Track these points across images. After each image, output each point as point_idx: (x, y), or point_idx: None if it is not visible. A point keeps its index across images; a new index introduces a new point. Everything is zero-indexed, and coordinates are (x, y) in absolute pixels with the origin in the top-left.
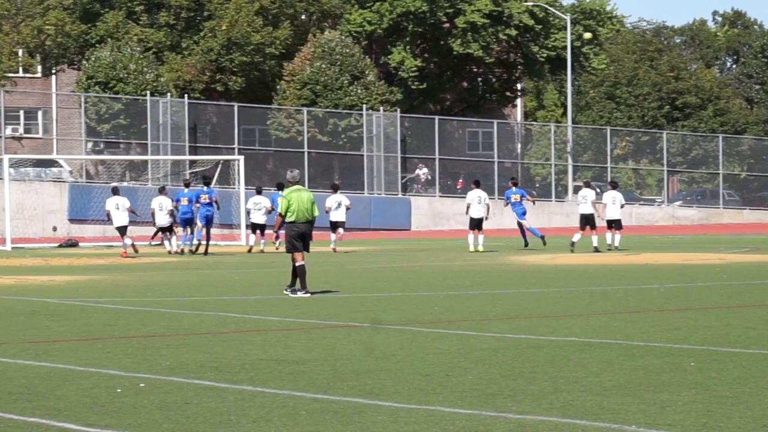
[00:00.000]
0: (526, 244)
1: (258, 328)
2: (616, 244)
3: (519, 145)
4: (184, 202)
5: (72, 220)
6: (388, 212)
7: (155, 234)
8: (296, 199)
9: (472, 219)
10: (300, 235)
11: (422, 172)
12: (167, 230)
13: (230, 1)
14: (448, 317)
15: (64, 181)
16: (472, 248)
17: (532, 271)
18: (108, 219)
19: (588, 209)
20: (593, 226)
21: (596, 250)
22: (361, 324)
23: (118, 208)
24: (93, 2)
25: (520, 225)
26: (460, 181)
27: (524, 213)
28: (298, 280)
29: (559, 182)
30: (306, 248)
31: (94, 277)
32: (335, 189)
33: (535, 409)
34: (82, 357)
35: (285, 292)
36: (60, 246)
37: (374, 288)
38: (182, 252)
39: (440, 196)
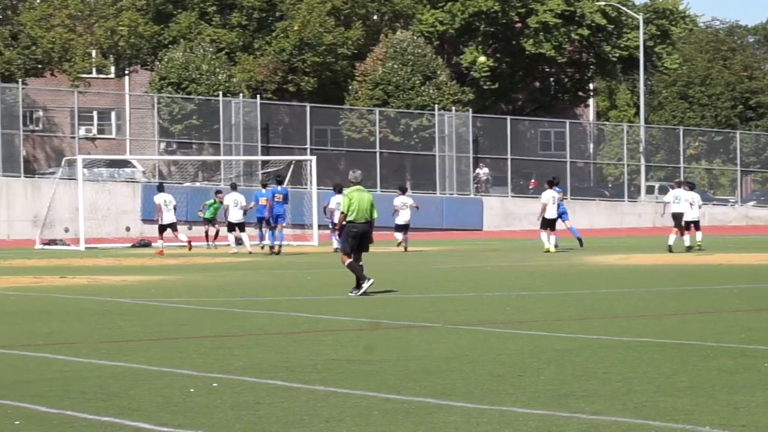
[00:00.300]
0: (581, 243)
1: (330, 328)
2: (698, 240)
3: (591, 145)
4: (263, 202)
5: (145, 221)
6: (460, 212)
7: (231, 228)
8: (357, 198)
9: (545, 219)
10: (357, 235)
11: (483, 171)
12: (239, 227)
13: (302, 2)
14: (520, 317)
15: (137, 182)
16: (548, 246)
17: (604, 271)
18: (158, 214)
19: (681, 209)
20: (688, 227)
21: (688, 249)
22: (433, 324)
23: (166, 204)
24: (166, 3)
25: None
26: (533, 181)
27: (564, 213)
28: (361, 279)
29: (631, 182)
30: (363, 249)
31: (167, 277)
32: (403, 191)
33: (608, 409)
34: (155, 357)
35: (350, 294)
36: (133, 246)
37: (446, 288)
38: (269, 250)
39: (512, 196)
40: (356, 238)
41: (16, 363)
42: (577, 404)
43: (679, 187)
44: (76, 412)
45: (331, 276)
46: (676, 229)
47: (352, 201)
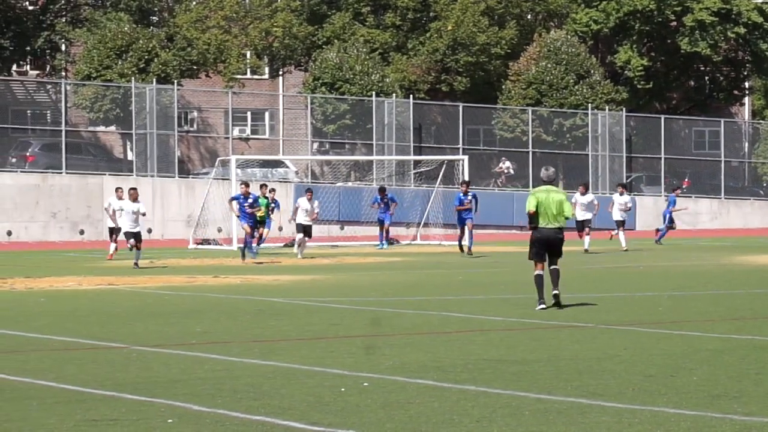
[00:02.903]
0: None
1: (481, 328)
2: None
3: (746, 144)
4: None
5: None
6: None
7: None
8: (544, 199)
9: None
10: (541, 242)
11: (505, 166)
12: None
13: (456, 2)
14: (672, 318)
15: (289, 182)
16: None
17: (757, 271)
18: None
19: None
20: None
21: None
22: (585, 324)
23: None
24: (320, 4)
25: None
26: (686, 180)
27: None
28: (539, 296)
29: None
30: (555, 254)
31: (319, 276)
32: (586, 188)
33: (761, 410)
34: (306, 356)
35: (538, 308)
36: (286, 245)
37: (596, 288)
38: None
39: (665, 196)
40: (541, 245)
41: (170, 362)
42: (729, 405)
43: None
44: (228, 410)
45: (483, 276)
46: None
47: (539, 202)
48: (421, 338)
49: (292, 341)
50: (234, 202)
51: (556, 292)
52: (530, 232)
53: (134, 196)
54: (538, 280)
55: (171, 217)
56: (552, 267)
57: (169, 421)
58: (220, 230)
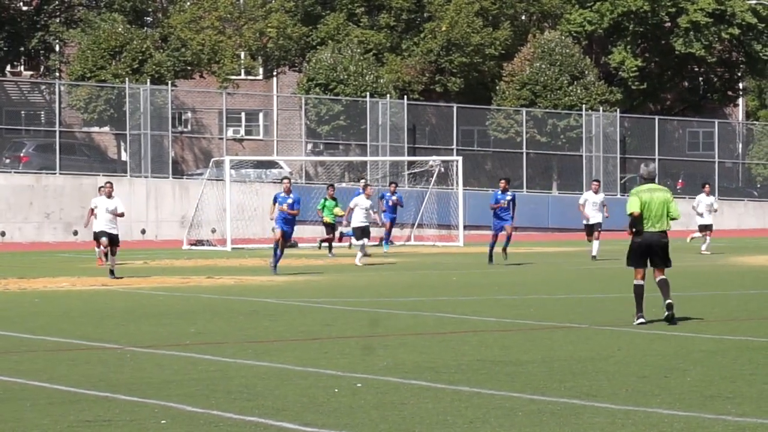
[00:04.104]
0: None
1: (475, 328)
2: None
3: (740, 145)
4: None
5: None
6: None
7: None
8: (647, 201)
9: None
10: (644, 248)
11: (435, 163)
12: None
13: (450, 2)
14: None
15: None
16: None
17: (752, 272)
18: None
19: None
20: None
21: None
22: (579, 325)
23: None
24: (314, 5)
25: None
26: (680, 181)
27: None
28: (637, 310)
29: None
30: (663, 262)
31: (312, 277)
32: (599, 185)
33: (755, 411)
34: (300, 357)
35: (636, 323)
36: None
37: (593, 289)
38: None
39: None
40: (643, 251)
41: (163, 363)
42: (723, 406)
43: None
44: (222, 411)
45: (477, 276)
46: None
47: (642, 203)
48: (415, 339)
49: (286, 342)
50: (275, 204)
51: (669, 301)
52: (631, 236)
53: (108, 191)
54: (638, 290)
55: (165, 217)
56: (659, 279)
57: (163, 421)
58: (214, 231)
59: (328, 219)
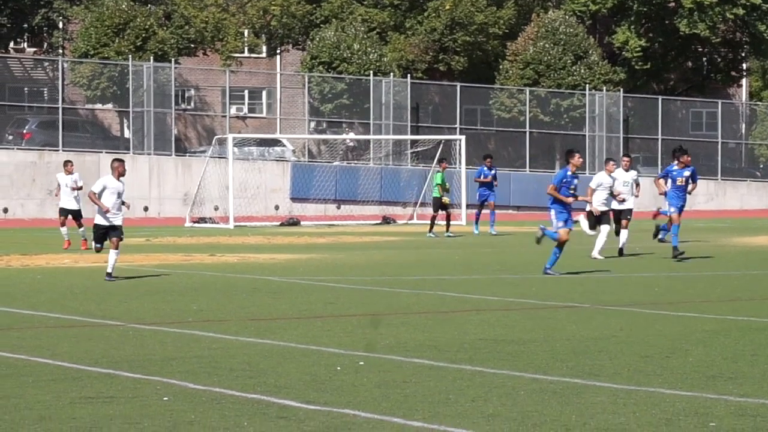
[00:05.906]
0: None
1: (477, 307)
2: None
3: (743, 126)
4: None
5: (294, 199)
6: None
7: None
8: None
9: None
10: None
11: (348, 137)
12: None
13: None
14: (668, 299)
15: (286, 161)
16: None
17: (755, 252)
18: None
19: None
20: None
21: None
22: (581, 305)
23: None
24: None
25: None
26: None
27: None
28: None
29: None
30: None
31: (315, 255)
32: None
33: (756, 391)
34: (302, 335)
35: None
36: (282, 224)
37: (595, 267)
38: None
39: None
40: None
41: (165, 340)
42: (725, 386)
43: None
44: (224, 389)
45: (479, 255)
46: None
47: None
48: (418, 318)
49: (288, 320)
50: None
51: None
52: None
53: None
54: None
55: (167, 195)
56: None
57: (165, 398)
58: (216, 209)
59: (446, 199)
